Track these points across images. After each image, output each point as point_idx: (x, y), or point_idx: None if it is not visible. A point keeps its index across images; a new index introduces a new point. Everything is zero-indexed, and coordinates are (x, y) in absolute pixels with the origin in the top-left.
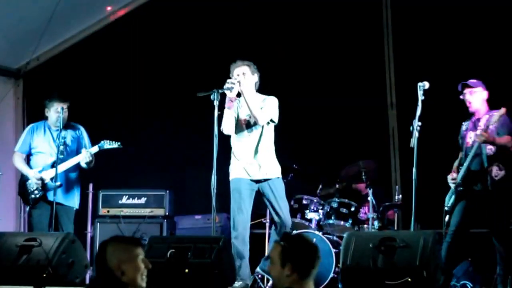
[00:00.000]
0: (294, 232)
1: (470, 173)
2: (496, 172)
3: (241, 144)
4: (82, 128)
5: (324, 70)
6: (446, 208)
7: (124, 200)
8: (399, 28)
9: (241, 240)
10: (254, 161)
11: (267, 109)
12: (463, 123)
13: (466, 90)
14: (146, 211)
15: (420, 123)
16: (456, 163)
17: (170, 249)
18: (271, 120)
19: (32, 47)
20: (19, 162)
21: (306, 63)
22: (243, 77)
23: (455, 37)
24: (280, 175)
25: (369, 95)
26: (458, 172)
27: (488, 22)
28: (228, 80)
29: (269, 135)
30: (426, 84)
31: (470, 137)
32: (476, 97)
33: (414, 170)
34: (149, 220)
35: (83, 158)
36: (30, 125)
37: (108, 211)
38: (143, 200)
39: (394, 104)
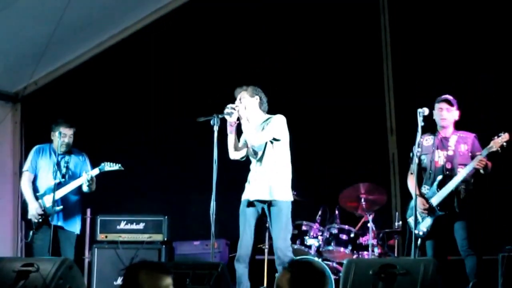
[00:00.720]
0: (300, 257)
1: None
2: (463, 193)
3: (251, 166)
4: (85, 155)
5: (323, 96)
6: (420, 234)
7: (122, 225)
8: (399, 52)
9: (242, 262)
10: (257, 182)
11: (267, 129)
12: (424, 136)
13: (444, 105)
14: (144, 237)
15: (419, 149)
16: (413, 181)
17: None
18: (274, 139)
19: (30, 71)
20: (25, 185)
21: (306, 89)
22: (240, 102)
23: (454, 62)
24: (284, 199)
25: (369, 121)
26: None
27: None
28: (228, 106)
29: (275, 155)
30: (426, 111)
31: (439, 156)
32: (451, 115)
33: (414, 196)
34: (147, 246)
35: (84, 181)
36: (36, 146)
37: (106, 237)
38: (141, 226)
39: (394, 130)
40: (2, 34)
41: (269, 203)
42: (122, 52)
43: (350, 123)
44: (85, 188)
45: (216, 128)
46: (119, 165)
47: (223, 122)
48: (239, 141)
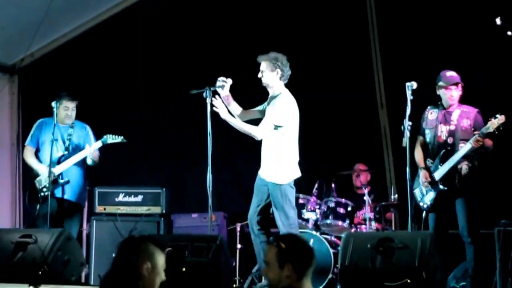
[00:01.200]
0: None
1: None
2: (466, 170)
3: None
4: (88, 127)
5: (316, 72)
6: (424, 206)
7: (120, 197)
8: (385, 27)
9: (251, 232)
10: (264, 161)
11: (267, 116)
12: (429, 108)
13: (453, 87)
14: (142, 209)
15: (410, 123)
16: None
17: (167, 248)
18: (277, 126)
19: (27, 43)
20: (29, 156)
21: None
22: (260, 73)
23: (441, 34)
24: (283, 182)
25: (359, 96)
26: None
27: (476, 17)
28: (219, 78)
29: (277, 138)
30: (414, 84)
31: (442, 131)
32: (458, 93)
33: (407, 169)
34: (146, 219)
35: (88, 153)
36: (39, 120)
37: (104, 209)
38: (139, 198)
39: (384, 104)
40: None
41: (270, 186)
42: (120, 23)
43: (342, 98)
44: (89, 161)
45: (208, 101)
46: (122, 137)
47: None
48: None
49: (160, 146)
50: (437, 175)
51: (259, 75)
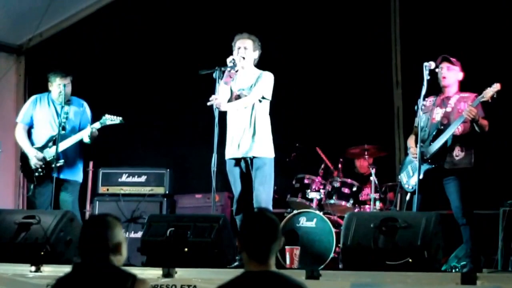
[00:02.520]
0: None
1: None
2: (458, 152)
3: (232, 120)
4: (85, 104)
5: (330, 50)
6: (409, 188)
7: (124, 178)
8: (406, 6)
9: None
10: (243, 137)
11: (257, 87)
12: (429, 97)
13: (444, 65)
14: (146, 190)
15: (424, 103)
16: (412, 138)
17: (170, 228)
18: (263, 97)
19: (35, 23)
20: (20, 136)
21: (312, 42)
22: (244, 52)
23: (461, 17)
24: (269, 156)
25: (375, 74)
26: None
27: (494, 3)
28: (229, 58)
29: (261, 112)
30: (432, 64)
31: (437, 113)
32: (452, 74)
33: (418, 149)
34: (149, 199)
35: (86, 134)
36: (34, 96)
37: (107, 189)
38: (143, 179)
39: (400, 83)
40: None
41: (254, 160)
42: (128, 4)
43: (356, 76)
44: (86, 140)
45: (218, 82)
46: (120, 118)
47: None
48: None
49: (165, 126)
50: (427, 152)
51: (241, 51)
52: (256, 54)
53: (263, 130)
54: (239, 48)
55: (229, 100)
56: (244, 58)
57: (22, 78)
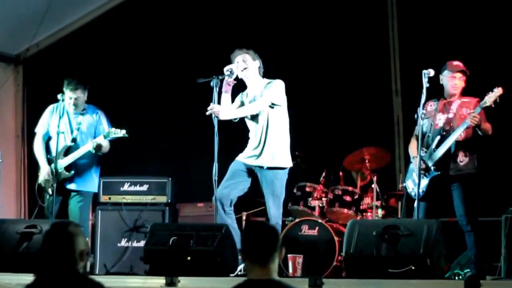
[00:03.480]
0: None
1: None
2: (462, 157)
3: (250, 129)
4: (100, 112)
5: (328, 58)
6: (415, 195)
7: (125, 187)
8: (404, 14)
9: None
10: (256, 146)
11: (265, 94)
12: (429, 102)
13: (458, 75)
14: (148, 199)
15: (424, 111)
16: (414, 145)
17: (172, 237)
18: (273, 104)
19: (32, 33)
20: (37, 147)
21: (310, 50)
22: (245, 64)
23: (460, 24)
24: (282, 166)
25: (374, 83)
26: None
27: (493, 8)
28: (226, 67)
29: (275, 119)
30: (431, 72)
31: (439, 119)
32: (462, 84)
33: (418, 158)
34: (151, 208)
35: (90, 148)
36: (51, 105)
37: (109, 198)
38: (145, 188)
39: (399, 92)
40: None
41: (265, 171)
42: (126, 13)
43: (355, 84)
44: (93, 151)
45: (216, 90)
46: (124, 131)
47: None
48: (232, 101)
49: (166, 135)
50: (431, 160)
51: (243, 66)
52: (257, 63)
53: (276, 139)
54: (237, 63)
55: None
56: (246, 68)
57: (20, 88)
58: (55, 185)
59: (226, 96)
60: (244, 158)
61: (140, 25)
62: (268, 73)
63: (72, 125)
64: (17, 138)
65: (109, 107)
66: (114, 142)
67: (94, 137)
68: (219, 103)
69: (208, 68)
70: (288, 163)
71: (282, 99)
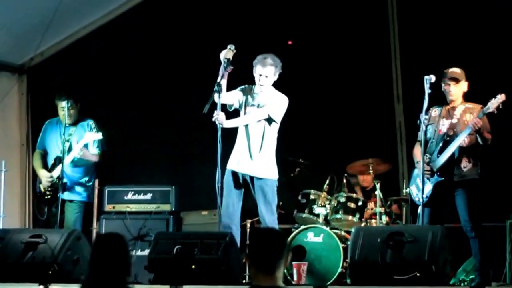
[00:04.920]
0: None
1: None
2: (465, 163)
3: (241, 134)
4: (91, 123)
5: (330, 63)
6: (419, 200)
7: (130, 196)
8: (405, 19)
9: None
10: (248, 156)
11: (268, 106)
12: (433, 107)
13: (451, 82)
14: (152, 207)
15: (426, 117)
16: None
17: (177, 245)
18: (271, 118)
19: (36, 42)
20: (35, 161)
21: (312, 56)
22: (265, 80)
23: (462, 30)
24: (271, 177)
25: (375, 89)
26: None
27: (495, 14)
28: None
29: (270, 134)
30: (433, 78)
31: (443, 124)
32: (458, 89)
33: (421, 163)
34: (155, 216)
35: (76, 154)
36: (47, 121)
37: (113, 207)
38: (149, 196)
39: (401, 97)
40: (7, 5)
41: (259, 181)
42: (130, 21)
43: (357, 91)
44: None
45: (219, 96)
46: (100, 133)
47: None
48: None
49: (170, 143)
50: (435, 166)
51: (262, 80)
52: (276, 77)
53: (268, 152)
54: (260, 75)
55: (237, 113)
56: (266, 81)
57: (25, 97)
58: (60, 195)
59: (222, 81)
60: (236, 167)
61: (145, 32)
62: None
63: (64, 137)
64: (21, 147)
65: (112, 115)
66: (117, 150)
67: (86, 147)
68: (222, 110)
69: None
70: (276, 175)
71: (280, 117)
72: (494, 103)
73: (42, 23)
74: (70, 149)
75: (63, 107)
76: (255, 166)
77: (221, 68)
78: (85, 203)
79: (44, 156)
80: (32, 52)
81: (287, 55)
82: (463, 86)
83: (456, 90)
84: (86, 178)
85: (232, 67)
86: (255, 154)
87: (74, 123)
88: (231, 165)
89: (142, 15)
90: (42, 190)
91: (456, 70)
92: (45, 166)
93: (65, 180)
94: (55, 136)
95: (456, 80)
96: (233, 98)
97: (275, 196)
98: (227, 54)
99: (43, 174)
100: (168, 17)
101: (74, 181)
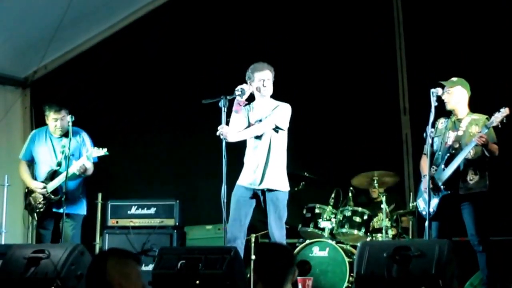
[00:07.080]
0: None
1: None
2: (472, 176)
3: (249, 150)
4: (83, 134)
5: (335, 76)
6: (427, 214)
7: (133, 210)
8: (411, 32)
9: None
10: (258, 169)
11: (272, 116)
12: (440, 119)
13: (440, 91)
14: (155, 222)
15: (433, 129)
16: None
17: (181, 260)
18: (277, 127)
19: (39, 56)
20: (23, 172)
21: (317, 68)
22: (269, 83)
23: (468, 41)
24: (284, 189)
25: (382, 101)
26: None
27: (503, 24)
28: (239, 87)
29: (278, 143)
30: (439, 91)
31: (449, 137)
32: (452, 97)
33: (427, 176)
34: (159, 231)
35: (75, 169)
36: (33, 131)
37: (117, 222)
38: (152, 211)
39: (407, 110)
40: (11, 19)
41: (269, 193)
42: (133, 34)
43: (363, 103)
44: (77, 173)
45: (224, 110)
46: (105, 149)
47: (230, 103)
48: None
49: (173, 157)
50: (440, 179)
51: (267, 83)
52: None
53: (277, 163)
54: (263, 81)
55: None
56: (244, 89)
57: (28, 110)
58: (64, 210)
59: (236, 116)
60: (247, 182)
61: (148, 46)
62: (277, 93)
63: (56, 149)
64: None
65: (116, 128)
66: (120, 164)
67: (79, 159)
68: (227, 123)
69: (214, 87)
70: (287, 187)
71: (286, 124)
72: (498, 117)
73: (45, 37)
74: (64, 163)
75: (56, 118)
76: (265, 178)
77: (235, 100)
78: (82, 216)
79: (29, 166)
80: (35, 66)
81: (295, 69)
82: (459, 94)
83: (450, 98)
84: (80, 191)
85: (246, 101)
86: (265, 167)
87: (65, 135)
88: (242, 181)
89: (144, 28)
90: (33, 202)
91: (451, 79)
92: (33, 177)
93: (59, 195)
94: (46, 147)
95: (441, 86)
96: (241, 122)
97: (285, 211)
98: (242, 86)
99: (36, 186)
100: (170, 31)
101: (72, 195)
